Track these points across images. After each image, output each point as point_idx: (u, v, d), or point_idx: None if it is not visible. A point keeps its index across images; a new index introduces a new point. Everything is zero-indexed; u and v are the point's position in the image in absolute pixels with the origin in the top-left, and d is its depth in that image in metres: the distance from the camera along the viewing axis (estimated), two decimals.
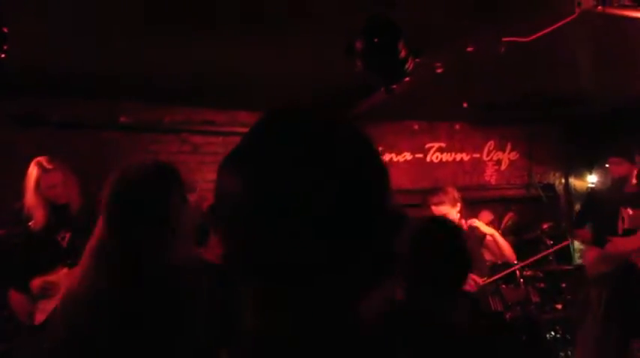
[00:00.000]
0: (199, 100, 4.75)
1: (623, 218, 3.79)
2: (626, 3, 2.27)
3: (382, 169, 0.66)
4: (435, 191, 3.73)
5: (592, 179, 6.11)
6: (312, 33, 2.98)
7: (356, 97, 4.56)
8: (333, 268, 0.60)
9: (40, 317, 3.23)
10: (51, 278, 3.21)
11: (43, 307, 3.24)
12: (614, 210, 3.85)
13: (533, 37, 2.64)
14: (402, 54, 2.14)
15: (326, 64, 3.44)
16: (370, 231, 0.62)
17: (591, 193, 4.77)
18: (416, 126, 5.78)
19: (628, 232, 3.80)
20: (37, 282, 3.18)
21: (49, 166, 3.27)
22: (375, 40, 2.08)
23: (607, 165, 4.31)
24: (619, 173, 3.97)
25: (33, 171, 3.24)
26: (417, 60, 2.27)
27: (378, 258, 0.63)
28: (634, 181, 3.86)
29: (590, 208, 4.21)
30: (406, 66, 2.20)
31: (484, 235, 3.69)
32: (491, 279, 3.51)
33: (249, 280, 0.64)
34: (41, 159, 3.31)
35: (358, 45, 2.17)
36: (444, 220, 1.95)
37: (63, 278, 3.25)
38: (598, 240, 3.95)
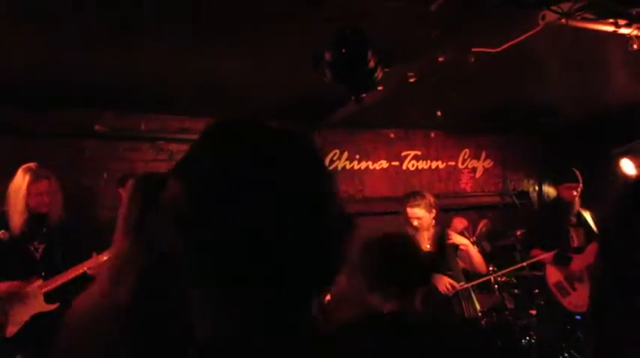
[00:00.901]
0: (175, 108, 4.74)
1: (572, 237, 4.30)
2: (589, 16, 2.35)
3: (327, 181, 0.67)
4: (412, 194, 3.78)
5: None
6: (285, 43, 3.01)
7: (332, 106, 4.60)
8: (274, 276, 0.61)
9: (11, 330, 3.18)
10: (17, 282, 3.17)
11: (14, 319, 3.19)
12: (567, 230, 4.33)
13: (501, 48, 2.71)
14: (371, 64, 2.17)
15: (300, 74, 3.47)
16: (312, 240, 0.62)
17: (543, 216, 5.02)
18: (392, 135, 5.85)
19: (578, 250, 4.25)
20: (3, 286, 3.13)
21: (40, 173, 3.25)
22: (343, 50, 2.12)
23: (556, 186, 4.65)
24: (571, 197, 4.31)
25: (23, 177, 3.21)
26: (387, 69, 2.31)
27: (323, 266, 0.65)
28: (578, 201, 4.34)
29: (542, 229, 4.51)
30: (375, 75, 2.24)
31: (458, 245, 3.74)
32: (469, 285, 3.56)
33: (196, 285, 0.64)
34: (32, 165, 3.28)
35: (327, 56, 2.20)
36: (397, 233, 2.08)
37: (37, 289, 3.21)
38: (561, 259, 4.24)
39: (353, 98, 2.35)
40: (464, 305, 3.53)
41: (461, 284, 3.53)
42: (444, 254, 3.68)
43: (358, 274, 1.81)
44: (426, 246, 3.76)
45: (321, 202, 0.65)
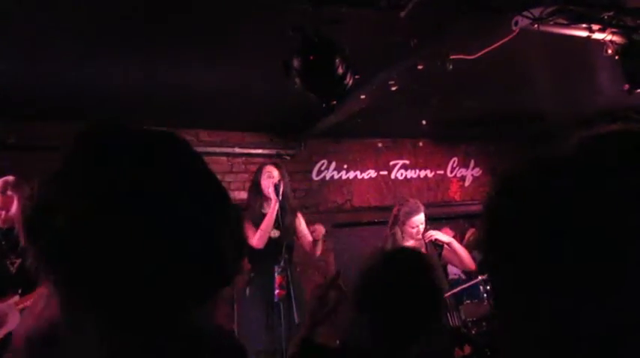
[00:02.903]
0: (161, 120, 4.72)
1: None
2: (562, 21, 2.35)
3: (205, 186, 0.65)
4: (413, 203, 3.75)
5: None
6: (262, 53, 3.00)
7: (317, 116, 4.59)
8: (160, 282, 0.59)
9: None
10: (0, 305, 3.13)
11: None
12: None
13: (478, 54, 2.71)
14: (340, 70, 2.16)
15: (283, 84, 3.47)
16: (191, 247, 0.60)
17: None
18: (380, 144, 5.83)
19: None
20: None
21: (8, 188, 3.21)
22: (311, 57, 2.10)
23: None
24: None
25: None
26: (357, 76, 2.29)
27: (209, 270, 0.62)
28: None
29: None
30: (345, 82, 2.22)
31: (442, 246, 3.71)
32: (448, 293, 3.51)
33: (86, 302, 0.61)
34: (7, 178, 3.26)
35: (295, 63, 2.18)
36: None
37: (13, 306, 3.16)
38: None
39: (324, 105, 2.33)
40: (449, 314, 3.49)
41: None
42: None
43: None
44: None
45: (204, 207, 0.63)
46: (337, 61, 2.14)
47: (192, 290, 0.61)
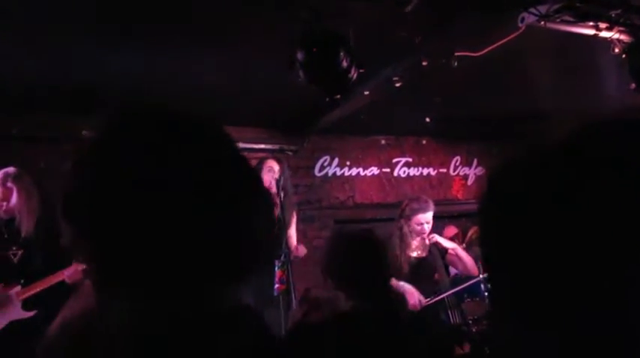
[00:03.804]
0: None
1: None
2: (568, 19, 2.33)
3: (238, 168, 0.66)
4: (422, 200, 3.74)
5: None
6: (265, 47, 2.99)
7: (321, 112, 4.58)
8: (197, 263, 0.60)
9: None
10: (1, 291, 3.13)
11: None
12: None
13: (483, 51, 2.69)
14: (344, 64, 2.14)
15: (286, 79, 3.46)
16: (226, 229, 0.61)
17: None
18: (383, 141, 5.82)
19: None
20: None
21: (8, 179, 3.21)
22: (314, 50, 2.09)
23: None
24: None
25: None
26: (362, 70, 2.28)
27: (240, 248, 0.63)
28: None
29: None
30: (349, 76, 2.20)
31: (446, 250, 3.69)
32: (432, 301, 3.47)
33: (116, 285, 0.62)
34: (7, 170, 3.26)
35: (299, 56, 2.17)
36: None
37: (14, 296, 3.17)
38: None
39: (328, 99, 2.32)
40: (450, 312, 3.48)
41: (427, 299, 3.44)
42: (431, 259, 3.65)
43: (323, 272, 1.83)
44: (417, 252, 3.73)
45: (238, 190, 0.64)
46: (342, 54, 2.13)
47: (222, 269, 0.62)
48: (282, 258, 3.35)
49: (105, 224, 0.58)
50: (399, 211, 3.76)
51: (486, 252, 0.58)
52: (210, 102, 4.32)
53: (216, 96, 4.21)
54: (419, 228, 3.61)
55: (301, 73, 2.21)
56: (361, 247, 1.86)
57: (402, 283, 3.47)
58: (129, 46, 3.14)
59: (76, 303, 0.72)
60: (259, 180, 0.69)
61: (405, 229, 3.65)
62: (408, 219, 3.64)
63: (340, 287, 1.81)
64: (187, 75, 3.64)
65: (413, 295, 3.42)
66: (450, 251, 3.68)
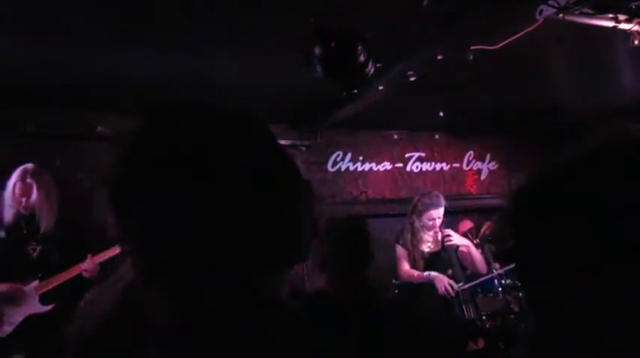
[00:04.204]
0: None
1: None
2: (587, 11, 2.30)
3: (280, 162, 0.66)
4: (434, 195, 3.76)
5: None
6: (281, 41, 2.99)
7: (334, 106, 4.57)
8: (217, 259, 0.60)
9: (6, 329, 3.17)
10: (14, 286, 3.17)
11: (8, 319, 3.18)
12: None
13: (500, 45, 2.66)
14: (361, 58, 2.13)
15: (300, 73, 3.46)
16: (272, 219, 0.62)
17: None
18: (396, 136, 5.80)
19: None
20: (2, 287, 3.12)
21: (27, 175, 3.25)
22: (332, 44, 2.08)
23: None
24: None
25: (13, 176, 3.23)
26: (379, 65, 2.26)
27: (280, 242, 0.63)
28: None
29: None
30: (367, 70, 2.19)
31: (458, 246, 3.69)
32: (468, 286, 3.49)
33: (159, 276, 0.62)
34: (26, 166, 3.29)
35: (316, 50, 2.16)
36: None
37: (32, 290, 3.21)
38: None
39: (345, 94, 2.31)
40: (464, 307, 3.47)
41: (459, 285, 3.48)
42: (445, 253, 3.65)
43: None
44: (430, 245, 3.73)
45: (283, 191, 0.65)
46: (359, 48, 2.12)
47: (261, 262, 0.62)
48: None
49: (156, 213, 0.58)
50: (410, 207, 3.78)
51: (523, 264, 0.60)
52: (224, 97, 4.36)
53: (230, 92, 4.23)
54: (430, 223, 3.64)
55: (319, 68, 2.20)
56: (342, 234, 1.97)
57: (428, 273, 3.51)
58: (143, 42, 3.15)
59: (100, 297, 0.73)
60: (300, 172, 0.69)
61: (417, 224, 3.68)
62: (420, 214, 3.66)
63: (322, 272, 1.96)
64: (201, 71, 3.64)
65: (442, 281, 3.45)
66: (462, 247, 3.68)
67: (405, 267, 3.66)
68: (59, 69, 3.51)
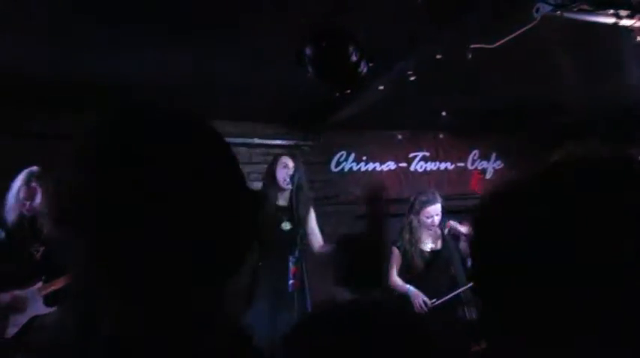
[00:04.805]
0: (184, 111, 4.73)
1: None
2: (586, 7, 2.26)
3: (221, 172, 0.65)
4: (430, 192, 3.77)
5: None
6: (278, 41, 2.98)
7: (336, 107, 4.56)
8: (169, 268, 0.59)
9: (11, 331, 3.20)
10: (20, 293, 3.19)
11: (14, 321, 3.21)
12: None
13: (498, 43, 2.64)
14: (353, 58, 2.12)
15: (300, 73, 3.45)
16: (208, 231, 0.60)
17: None
18: (399, 136, 5.77)
19: None
20: (5, 298, 3.15)
21: (33, 179, 3.27)
22: (323, 45, 2.07)
23: None
24: None
25: (18, 179, 3.25)
26: (371, 64, 2.25)
27: (215, 256, 0.62)
28: None
29: None
30: (359, 70, 2.18)
31: (459, 236, 3.68)
32: (439, 301, 3.47)
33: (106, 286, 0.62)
34: (32, 169, 3.31)
35: (307, 51, 2.15)
36: None
37: (36, 292, 3.23)
38: None
39: (338, 94, 2.30)
40: (466, 309, 3.46)
41: (432, 301, 3.47)
42: (446, 251, 3.64)
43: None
44: (431, 245, 3.72)
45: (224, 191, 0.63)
46: (350, 48, 2.10)
47: (197, 276, 0.61)
48: (296, 253, 3.34)
49: (102, 225, 0.58)
50: (407, 206, 3.78)
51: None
52: (226, 98, 4.37)
53: (231, 93, 4.24)
54: (429, 220, 3.62)
55: (310, 69, 2.19)
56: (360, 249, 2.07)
57: (408, 287, 3.51)
58: (145, 42, 3.15)
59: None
60: (243, 181, 0.68)
61: (415, 223, 3.67)
62: (417, 213, 3.66)
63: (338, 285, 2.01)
64: (203, 71, 3.65)
65: (417, 297, 3.46)
66: (462, 238, 3.66)
67: (394, 274, 3.65)
68: (67, 69, 3.52)
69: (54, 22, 2.78)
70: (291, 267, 3.31)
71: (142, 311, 0.60)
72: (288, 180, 3.48)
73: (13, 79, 3.64)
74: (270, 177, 3.62)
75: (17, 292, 3.19)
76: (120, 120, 0.63)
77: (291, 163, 3.58)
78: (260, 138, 5.25)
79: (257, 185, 5.24)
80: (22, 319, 3.22)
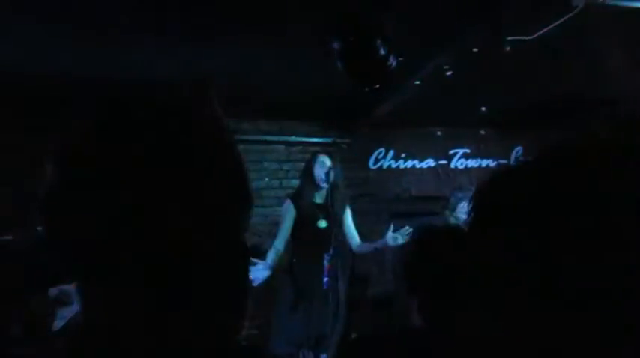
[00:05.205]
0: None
1: None
2: None
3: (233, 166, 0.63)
4: (465, 189, 3.70)
5: None
6: (320, 38, 2.97)
7: (373, 104, 4.52)
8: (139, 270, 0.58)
9: (58, 324, 3.32)
10: (67, 287, 3.31)
11: (61, 314, 3.34)
12: None
13: (536, 34, 2.54)
14: (381, 53, 2.08)
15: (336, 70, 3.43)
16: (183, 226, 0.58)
17: None
18: (439, 132, 5.67)
19: None
20: (53, 292, 3.28)
21: None
22: (350, 39, 2.04)
23: None
24: None
25: None
26: (401, 59, 2.20)
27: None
28: None
29: None
30: (388, 64, 2.14)
31: None
32: None
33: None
34: None
35: (336, 45, 2.13)
36: None
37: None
38: None
39: (367, 89, 2.26)
40: None
41: None
42: None
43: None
44: None
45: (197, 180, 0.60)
46: (378, 42, 2.07)
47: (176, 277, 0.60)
48: (331, 251, 3.34)
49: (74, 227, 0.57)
50: (443, 203, 3.71)
51: None
52: (263, 96, 4.41)
53: (271, 92, 4.26)
54: (465, 217, 3.53)
55: (339, 64, 2.16)
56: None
57: None
58: (183, 42, 3.20)
59: None
60: (242, 165, 0.65)
61: (452, 220, 3.59)
62: (454, 209, 3.58)
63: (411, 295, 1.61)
64: (240, 69, 3.68)
65: None
66: None
67: None
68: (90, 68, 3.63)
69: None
70: (326, 264, 3.31)
71: (123, 311, 0.59)
72: (324, 178, 3.47)
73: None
74: (308, 174, 3.62)
75: (64, 286, 3.31)
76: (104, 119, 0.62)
77: (328, 161, 3.57)
78: (297, 135, 5.27)
79: (296, 183, 5.30)
80: (68, 313, 3.34)
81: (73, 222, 0.57)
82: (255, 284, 3.12)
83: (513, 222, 0.52)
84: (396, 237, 3.35)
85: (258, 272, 3.17)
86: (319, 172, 3.51)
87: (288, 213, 3.51)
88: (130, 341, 0.58)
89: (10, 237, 3.35)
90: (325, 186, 3.49)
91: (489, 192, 0.57)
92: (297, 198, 3.57)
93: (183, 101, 0.65)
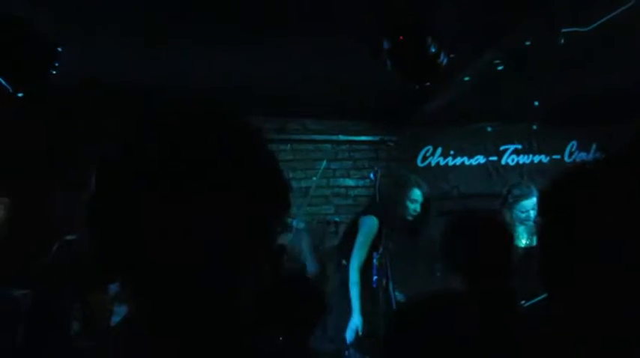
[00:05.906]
0: (268, 110, 4.86)
1: None
2: None
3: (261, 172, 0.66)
4: (525, 184, 3.61)
5: None
6: (367, 37, 2.97)
7: (421, 100, 4.47)
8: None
9: (115, 320, 3.46)
10: None
11: (118, 311, 3.47)
12: None
13: (592, 26, 2.45)
14: (432, 50, 2.06)
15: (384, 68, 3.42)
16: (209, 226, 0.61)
17: None
18: (489, 128, 5.54)
19: None
20: (114, 288, 3.41)
21: None
22: (400, 38, 2.03)
23: None
24: None
25: None
26: (452, 55, 2.17)
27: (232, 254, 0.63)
28: None
29: None
30: (439, 61, 2.11)
31: None
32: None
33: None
34: None
35: (385, 44, 2.12)
36: None
37: None
38: None
39: (417, 87, 2.24)
40: None
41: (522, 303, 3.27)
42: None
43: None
44: (525, 241, 3.55)
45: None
46: (429, 40, 2.05)
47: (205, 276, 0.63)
48: (380, 250, 3.33)
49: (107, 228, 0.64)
50: (500, 200, 3.60)
51: None
52: (310, 95, 4.44)
53: (318, 91, 4.29)
54: (524, 215, 3.43)
55: (388, 62, 2.16)
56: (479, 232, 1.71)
57: None
58: (229, 44, 3.26)
59: None
60: (280, 172, 0.68)
61: (509, 218, 3.48)
62: (511, 206, 3.47)
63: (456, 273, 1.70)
64: (287, 69, 3.72)
65: None
66: None
67: None
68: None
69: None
70: (376, 263, 3.31)
71: (151, 303, 0.63)
72: (412, 214, 3.62)
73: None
74: (396, 203, 3.66)
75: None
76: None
77: (420, 196, 3.73)
78: (345, 134, 5.28)
79: (343, 182, 5.31)
80: (123, 309, 3.47)
81: (113, 230, 0.60)
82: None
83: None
84: None
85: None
86: (410, 207, 3.56)
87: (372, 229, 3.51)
88: (170, 334, 0.62)
89: (74, 237, 3.50)
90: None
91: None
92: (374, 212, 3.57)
93: (222, 112, 0.67)
